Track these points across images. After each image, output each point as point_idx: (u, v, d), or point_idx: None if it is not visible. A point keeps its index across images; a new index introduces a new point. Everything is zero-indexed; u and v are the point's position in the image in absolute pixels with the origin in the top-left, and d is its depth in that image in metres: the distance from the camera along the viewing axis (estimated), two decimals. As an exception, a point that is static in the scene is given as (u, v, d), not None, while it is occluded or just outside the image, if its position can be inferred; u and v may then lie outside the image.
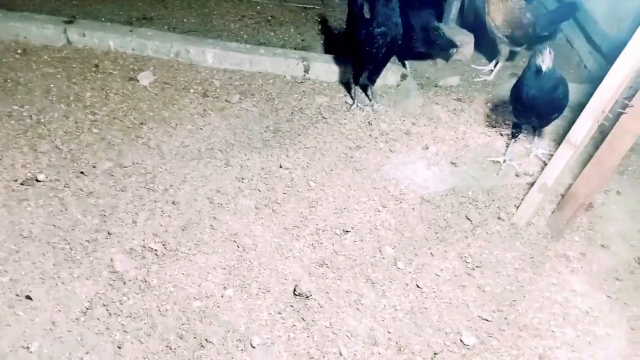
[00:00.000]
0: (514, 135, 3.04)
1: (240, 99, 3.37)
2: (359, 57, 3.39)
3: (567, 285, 2.44)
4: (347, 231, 2.56)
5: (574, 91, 3.63)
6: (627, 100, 2.32)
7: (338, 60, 3.77)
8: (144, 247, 2.31)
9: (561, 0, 4.56)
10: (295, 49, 4.05)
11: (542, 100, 2.77)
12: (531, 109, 2.84)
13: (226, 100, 3.33)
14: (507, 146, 3.11)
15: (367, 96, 3.53)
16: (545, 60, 2.62)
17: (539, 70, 2.66)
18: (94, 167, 2.69)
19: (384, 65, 3.42)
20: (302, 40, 4.22)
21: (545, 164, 2.85)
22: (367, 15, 3.39)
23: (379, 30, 3.17)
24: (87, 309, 2.06)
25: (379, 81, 3.73)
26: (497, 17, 3.79)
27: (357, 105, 3.46)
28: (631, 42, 2.21)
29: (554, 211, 2.70)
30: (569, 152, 2.45)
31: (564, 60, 4.43)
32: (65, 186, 2.55)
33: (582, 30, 4.30)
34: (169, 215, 2.47)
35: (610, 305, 2.39)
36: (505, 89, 3.51)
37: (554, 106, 2.84)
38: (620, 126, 2.32)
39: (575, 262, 2.57)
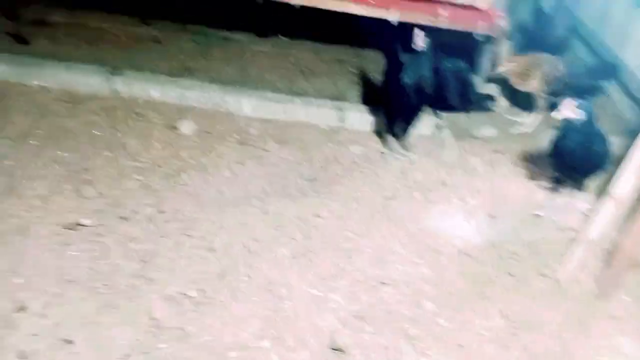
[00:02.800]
0: (554, 189, 2.98)
1: (276, 147, 3.42)
2: (391, 107, 3.43)
3: (617, 347, 2.34)
4: (385, 283, 2.52)
5: (616, 143, 3.58)
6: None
7: (372, 110, 3.82)
8: (182, 294, 2.30)
9: (600, 56, 4.57)
10: (330, 99, 4.12)
11: (580, 154, 2.73)
12: (569, 163, 2.81)
13: (263, 149, 3.38)
14: (547, 199, 3.05)
15: (402, 146, 3.54)
16: (563, 111, 2.60)
17: (573, 123, 2.64)
18: (135, 212, 2.73)
19: (416, 115, 3.45)
20: (337, 90, 4.29)
21: (588, 218, 2.78)
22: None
23: (409, 81, 3.24)
24: (126, 355, 2.04)
25: (414, 131, 3.76)
26: (532, 85, 3.83)
27: (392, 155, 3.47)
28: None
29: (601, 268, 2.61)
30: (613, 207, 2.39)
31: (603, 112, 4.39)
32: (108, 231, 2.59)
33: (620, 82, 4.28)
34: (206, 262, 2.48)
35: (665, 371, 2.26)
36: (543, 141, 3.47)
37: (593, 161, 2.79)
38: (668, 182, 2.26)
39: (625, 322, 2.46)
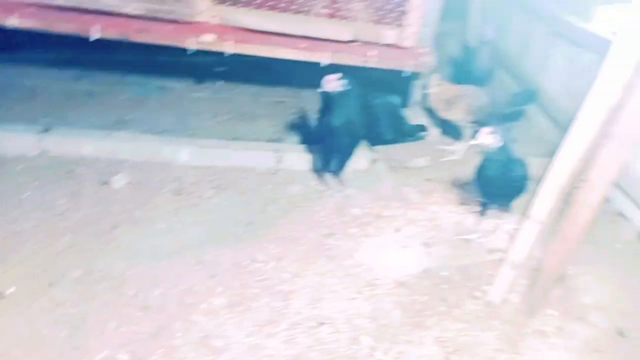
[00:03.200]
0: (482, 213, 3.09)
1: (213, 194, 3.43)
2: (325, 146, 3.52)
3: (548, 363, 2.40)
4: (322, 323, 2.53)
5: (538, 165, 3.76)
6: (581, 176, 2.41)
7: (310, 149, 3.90)
8: (112, 359, 2.24)
9: (523, 85, 4.85)
10: (269, 141, 4.19)
11: (499, 179, 2.86)
12: (490, 189, 2.94)
13: (199, 197, 3.39)
14: (476, 224, 3.15)
15: (338, 183, 3.61)
16: (480, 138, 2.74)
17: (492, 151, 2.78)
18: (64, 276, 2.66)
19: (349, 153, 3.53)
20: (276, 132, 4.36)
21: (514, 240, 2.89)
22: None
23: (336, 122, 3.32)
24: None
25: (351, 165, 3.85)
26: (456, 114, 4.02)
27: (329, 192, 3.54)
28: (578, 125, 2.33)
29: (527, 287, 2.70)
30: (534, 228, 2.50)
31: (525, 134, 4.62)
32: (34, 299, 2.51)
33: (541, 106, 4.53)
34: (139, 322, 2.43)
35: (593, 382, 2.34)
36: (471, 168, 3.60)
37: (512, 186, 2.91)
38: (579, 201, 2.39)
39: (554, 337, 2.54)
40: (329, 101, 3.41)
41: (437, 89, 4.05)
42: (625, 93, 2.24)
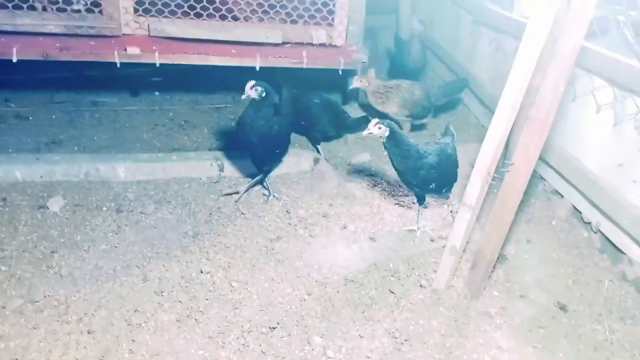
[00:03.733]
0: (420, 202, 3.18)
1: (155, 208, 3.37)
2: (251, 153, 3.52)
3: (494, 342, 2.50)
4: (274, 328, 2.53)
5: (475, 150, 3.89)
6: (507, 160, 2.51)
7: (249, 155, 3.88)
8: (58, 387, 2.18)
9: (456, 74, 5.00)
10: (210, 149, 4.15)
11: (406, 172, 3.01)
12: (404, 179, 3.04)
13: (141, 212, 3.32)
14: (419, 214, 3.24)
15: (268, 187, 3.60)
16: (371, 129, 2.89)
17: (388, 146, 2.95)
18: (3, 307, 2.55)
19: (272, 157, 3.57)
20: (216, 140, 4.33)
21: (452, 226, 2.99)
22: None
23: (251, 128, 3.33)
24: None
25: (294, 167, 3.88)
26: (390, 108, 4.10)
27: (274, 196, 3.54)
28: (498, 110, 2.43)
29: (469, 271, 2.80)
30: (468, 213, 2.59)
31: (464, 122, 4.77)
32: (-28, 334, 2.41)
33: (474, 94, 4.69)
34: (84, 347, 2.36)
35: (538, 356, 2.46)
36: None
37: (424, 175, 3.00)
38: (506, 184, 2.49)
39: (498, 317, 2.64)
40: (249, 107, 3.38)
41: (359, 84, 4.11)
42: (539, 76, 2.35)
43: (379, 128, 2.88)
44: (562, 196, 3.51)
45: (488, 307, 2.69)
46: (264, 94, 3.22)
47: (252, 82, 3.20)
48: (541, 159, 2.67)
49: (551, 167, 3.57)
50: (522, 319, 2.65)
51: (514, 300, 2.76)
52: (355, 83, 4.09)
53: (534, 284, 2.89)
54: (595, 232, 3.15)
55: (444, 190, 3.23)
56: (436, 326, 2.56)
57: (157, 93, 5.09)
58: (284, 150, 3.65)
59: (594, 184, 3.07)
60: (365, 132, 2.92)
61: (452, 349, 2.45)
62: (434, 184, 3.04)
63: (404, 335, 2.50)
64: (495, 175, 2.52)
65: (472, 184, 2.56)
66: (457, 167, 3.17)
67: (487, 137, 2.48)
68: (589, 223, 3.19)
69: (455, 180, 3.20)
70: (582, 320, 2.66)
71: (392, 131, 2.89)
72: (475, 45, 4.83)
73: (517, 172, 2.44)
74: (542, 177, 3.67)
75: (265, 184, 3.60)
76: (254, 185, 3.59)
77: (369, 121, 4.33)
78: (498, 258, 2.66)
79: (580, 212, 3.31)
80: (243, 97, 3.21)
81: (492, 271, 2.76)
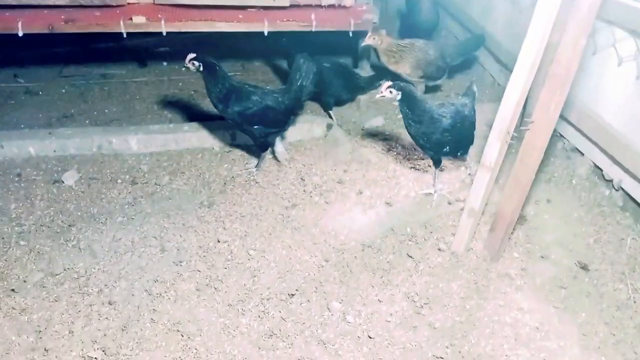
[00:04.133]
0: (436, 166, 3.12)
1: (170, 179, 3.36)
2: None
3: (514, 304, 2.47)
4: (292, 294, 2.54)
5: (491, 110, 3.79)
6: (527, 118, 2.43)
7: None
8: (83, 357, 2.21)
9: (470, 31, 4.84)
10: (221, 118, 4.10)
11: (420, 135, 2.93)
12: (419, 143, 2.97)
13: (156, 184, 3.31)
14: (435, 177, 3.18)
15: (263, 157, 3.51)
16: (382, 91, 2.82)
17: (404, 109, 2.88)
18: (24, 281, 2.59)
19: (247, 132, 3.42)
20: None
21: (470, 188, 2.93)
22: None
23: (214, 100, 3.27)
24: None
25: (307, 134, 3.83)
26: (404, 68, 3.98)
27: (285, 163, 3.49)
28: (517, 67, 2.34)
29: (488, 233, 2.76)
30: (486, 174, 2.52)
31: (479, 81, 4.64)
32: (-3, 307, 2.45)
33: (490, 52, 4.55)
34: (106, 318, 2.39)
35: (559, 316, 2.43)
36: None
37: (439, 139, 2.93)
38: (526, 143, 2.42)
39: (518, 278, 2.61)
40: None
41: (372, 41, 3.98)
42: (558, 31, 2.25)
43: (390, 92, 2.80)
44: (583, 154, 3.42)
45: (508, 268, 2.66)
46: (201, 68, 3.15)
47: (192, 55, 3.14)
48: (560, 116, 2.58)
49: (571, 124, 3.46)
50: (543, 280, 2.62)
51: (534, 261, 2.72)
52: (367, 40, 3.95)
53: (555, 244, 2.84)
54: (617, 190, 3.07)
55: (459, 153, 3.16)
56: (455, 289, 2.54)
57: (165, 63, 5.03)
58: (263, 126, 3.36)
59: (616, 140, 2.97)
60: (377, 95, 2.85)
61: (472, 311, 2.43)
62: (448, 147, 2.98)
63: (423, 299, 2.49)
64: (515, 135, 2.44)
65: (491, 144, 2.49)
66: (474, 129, 3.09)
67: (506, 95, 2.39)
68: (611, 181, 3.11)
69: (471, 142, 3.13)
70: (604, 280, 2.62)
71: (405, 94, 2.82)
72: (490, 1, 4.65)
73: (537, 131, 2.36)
74: (561, 135, 3.57)
75: (273, 149, 3.55)
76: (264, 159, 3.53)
77: (381, 79, 4.27)
78: (518, 219, 2.60)
79: (601, 170, 3.23)
80: (183, 68, 3.20)
81: (511, 232, 2.71)
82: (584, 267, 2.70)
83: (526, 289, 2.56)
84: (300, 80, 3.32)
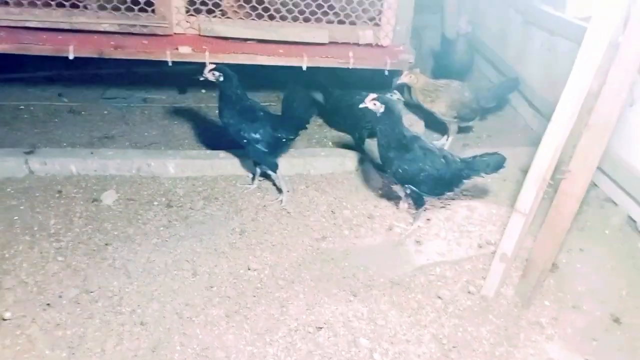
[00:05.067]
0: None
1: (204, 204, 3.44)
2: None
3: (544, 353, 2.44)
4: (320, 327, 2.55)
5: (524, 154, 3.81)
6: (565, 166, 2.45)
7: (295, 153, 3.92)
8: (114, 376, 2.26)
9: (504, 74, 4.90)
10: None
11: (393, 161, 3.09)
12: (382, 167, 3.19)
13: (190, 208, 3.39)
14: (466, 217, 3.19)
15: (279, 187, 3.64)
16: (367, 103, 2.97)
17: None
18: (60, 297, 2.66)
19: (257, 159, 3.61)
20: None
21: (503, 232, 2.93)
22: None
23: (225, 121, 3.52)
24: None
25: (339, 167, 3.89)
26: (439, 108, 4.04)
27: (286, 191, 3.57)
28: (556, 114, 2.37)
29: (519, 279, 2.74)
30: (520, 220, 2.53)
31: (511, 124, 4.68)
32: (32, 321, 2.50)
33: (523, 96, 4.58)
34: (137, 338, 2.43)
35: (590, 369, 2.39)
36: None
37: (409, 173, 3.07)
38: (562, 191, 2.43)
39: (549, 327, 2.58)
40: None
41: (408, 79, 4.06)
42: (600, 80, 2.28)
43: (374, 104, 2.93)
44: (616, 204, 3.40)
45: (539, 316, 2.63)
46: (221, 78, 3.37)
47: (212, 66, 3.35)
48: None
49: (605, 173, 3.46)
50: (574, 330, 2.58)
51: (566, 310, 2.69)
52: (403, 78, 4.03)
53: (587, 294, 2.80)
54: (651, 243, 3.04)
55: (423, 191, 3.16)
56: (485, 334, 2.52)
57: (203, 90, 5.17)
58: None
59: (652, 193, 2.96)
60: (361, 105, 2.99)
61: (501, 358, 2.41)
62: (409, 183, 3.10)
63: (451, 342, 2.48)
64: (551, 182, 2.46)
65: (527, 190, 2.51)
66: (453, 181, 3.14)
67: (544, 141, 2.42)
68: (645, 233, 3.08)
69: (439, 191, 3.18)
70: (636, 334, 2.57)
71: (387, 108, 2.95)
72: (526, 47, 4.71)
73: (574, 180, 2.38)
74: (594, 184, 3.56)
75: (277, 181, 3.64)
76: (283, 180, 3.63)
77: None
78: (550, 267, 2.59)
79: (635, 221, 3.20)
80: (201, 78, 3.37)
81: (543, 280, 2.70)
82: (616, 320, 2.65)
83: (557, 338, 2.53)
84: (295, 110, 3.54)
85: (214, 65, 3.36)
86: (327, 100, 4.72)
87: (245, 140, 3.47)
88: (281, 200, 3.50)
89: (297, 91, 3.61)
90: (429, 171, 3.03)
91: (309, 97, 3.70)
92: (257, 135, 3.46)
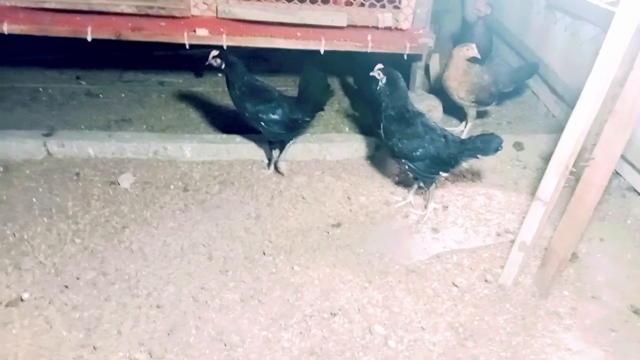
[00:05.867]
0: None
1: (220, 189, 3.43)
2: None
3: (562, 344, 2.41)
4: (335, 314, 2.54)
5: (545, 142, 3.74)
6: (588, 153, 2.39)
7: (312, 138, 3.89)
8: (130, 358, 2.27)
9: (525, 59, 4.79)
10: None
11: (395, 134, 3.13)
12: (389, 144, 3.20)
13: (206, 192, 3.39)
14: (484, 205, 3.14)
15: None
16: (376, 70, 3.10)
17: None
18: (77, 278, 2.69)
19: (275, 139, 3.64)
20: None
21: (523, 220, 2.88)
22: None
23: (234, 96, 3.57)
24: None
25: (355, 153, 3.86)
26: (459, 90, 3.95)
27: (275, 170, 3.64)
28: (581, 101, 2.30)
29: (538, 268, 2.70)
30: (541, 208, 2.48)
31: (532, 111, 4.58)
32: (49, 302, 2.53)
33: (545, 82, 4.48)
34: (153, 321, 2.45)
35: (608, 360, 2.35)
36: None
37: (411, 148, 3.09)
38: (585, 180, 2.38)
39: (567, 317, 2.54)
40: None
41: (443, 66, 3.98)
42: (627, 67, 2.21)
43: (379, 74, 3.06)
44: (639, 193, 3.32)
45: (557, 306, 2.60)
46: (222, 66, 3.43)
47: (215, 53, 3.40)
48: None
49: (628, 162, 3.38)
50: (592, 321, 2.54)
51: (584, 300, 2.65)
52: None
53: (607, 284, 2.76)
54: (675, 234, 2.96)
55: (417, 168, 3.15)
56: (502, 323, 2.50)
57: (220, 75, 5.14)
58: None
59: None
60: (371, 73, 3.10)
61: (518, 347, 2.38)
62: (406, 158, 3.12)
63: (468, 331, 2.45)
64: (573, 169, 2.40)
65: (548, 178, 2.46)
66: (449, 162, 3.08)
67: (567, 129, 2.36)
68: (669, 223, 3.00)
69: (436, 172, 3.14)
70: (657, 326, 2.53)
71: (390, 79, 3.05)
72: (548, 31, 4.59)
73: (597, 168, 2.32)
74: (617, 173, 3.48)
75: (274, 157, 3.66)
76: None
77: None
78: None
79: (659, 212, 3.13)
80: (206, 63, 3.45)
81: (563, 270, 2.65)
82: (636, 312, 2.61)
83: (575, 329, 2.49)
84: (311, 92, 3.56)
85: (217, 52, 3.41)
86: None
87: (262, 122, 3.46)
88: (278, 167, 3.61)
89: (314, 73, 3.58)
90: (427, 148, 3.03)
91: (325, 79, 3.67)
92: (276, 116, 3.45)
